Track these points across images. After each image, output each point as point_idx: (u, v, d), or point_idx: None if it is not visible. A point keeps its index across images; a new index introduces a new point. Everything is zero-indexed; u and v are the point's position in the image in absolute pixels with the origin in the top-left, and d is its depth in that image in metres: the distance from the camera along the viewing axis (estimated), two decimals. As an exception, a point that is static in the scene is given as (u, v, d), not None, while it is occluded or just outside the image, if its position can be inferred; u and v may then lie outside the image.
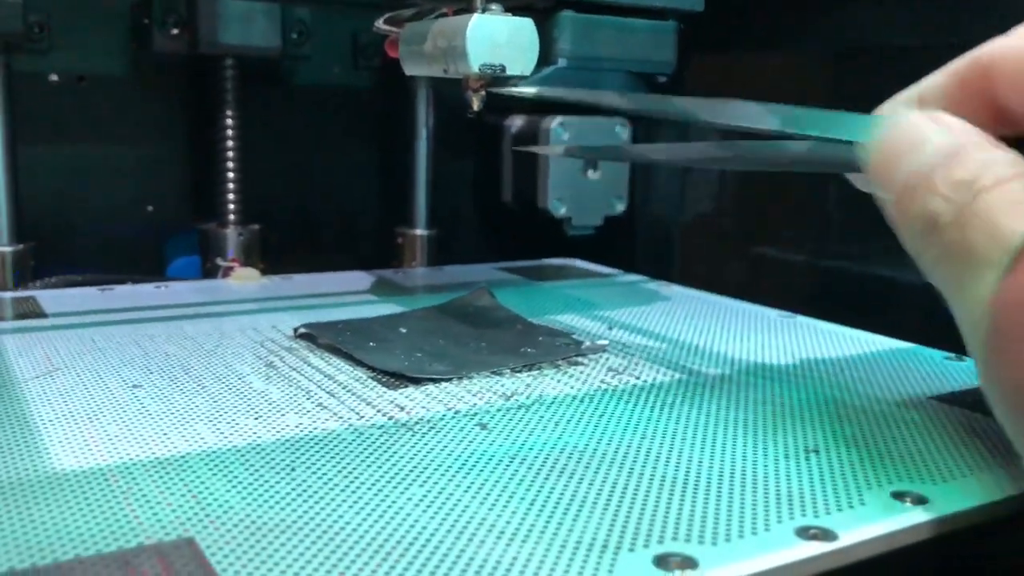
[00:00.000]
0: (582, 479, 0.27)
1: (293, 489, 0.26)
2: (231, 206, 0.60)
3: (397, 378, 0.36)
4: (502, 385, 0.35)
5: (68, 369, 0.36)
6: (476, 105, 0.39)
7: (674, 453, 0.29)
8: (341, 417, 0.31)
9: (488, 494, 0.26)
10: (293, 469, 0.27)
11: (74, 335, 0.41)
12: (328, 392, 0.34)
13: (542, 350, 0.40)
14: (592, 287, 0.56)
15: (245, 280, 0.54)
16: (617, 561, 0.22)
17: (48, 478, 0.26)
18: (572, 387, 0.35)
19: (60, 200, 0.59)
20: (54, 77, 0.57)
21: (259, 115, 0.62)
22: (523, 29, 0.38)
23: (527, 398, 0.34)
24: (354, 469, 0.27)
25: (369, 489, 0.26)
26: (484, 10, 0.38)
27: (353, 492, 0.25)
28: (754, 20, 0.58)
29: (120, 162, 0.61)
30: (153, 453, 0.28)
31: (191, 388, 0.34)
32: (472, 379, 0.36)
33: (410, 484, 0.26)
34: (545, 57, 0.39)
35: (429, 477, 0.27)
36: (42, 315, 0.45)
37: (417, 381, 0.35)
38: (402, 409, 0.32)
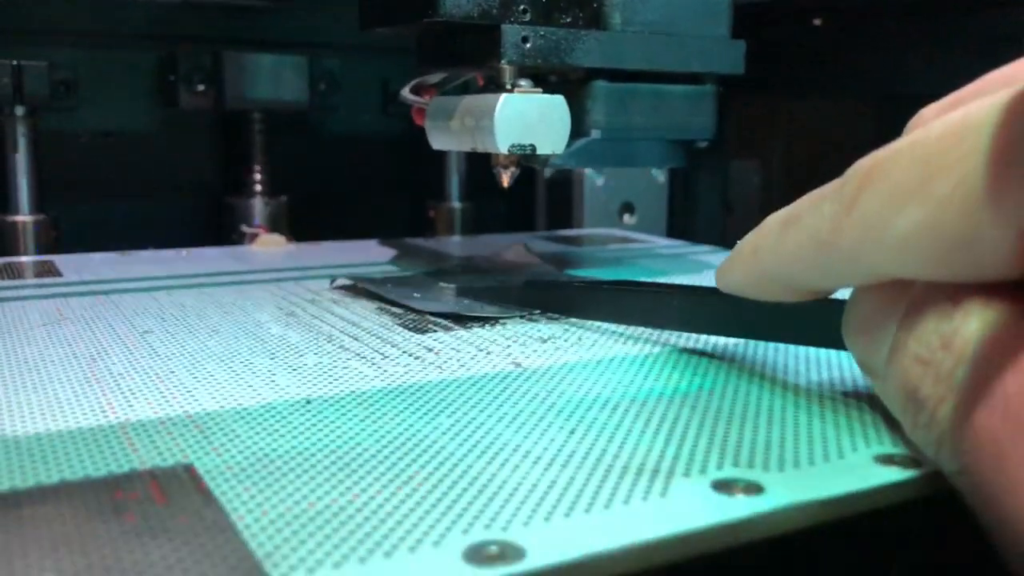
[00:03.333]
0: (627, 411, 0.24)
1: (308, 419, 0.23)
2: (257, 176, 0.58)
3: (449, 319, 0.34)
4: (539, 330, 0.33)
5: (77, 318, 0.34)
6: (506, 181, 0.37)
7: (730, 389, 0.26)
8: (364, 357, 0.29)
9: (523, 424, 0.23)
10: (309, 401, 0.24)
11: (87, 290, 0.39)
12: (351, 336, 0.32)
13: None
14: (638, 253, 0.53)
15: (270, 246, 0.52)
16: (671, 486, 0.19)
17: (40, 407, 0.23)
18: (615, 330, 0.33)
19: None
20: (83, 138, 0.56)
21: (287, 161, 0.61)
22: (554, 107, 0.36)
23: (565, 341, 0.31)
24: (376, 402, 0.25)
25: (391, 420, 0.23)
26: (513, 86, 0.36)
27: (374, 422, 0.23)
28: (796, 64, 0.56)
29: (147, 217, 0.59)
30: (157, 387, 0.25)
31: (204, 333, 0.32)
32: (506, 324, 0.33)
33: (437, 415, 0.23)
34: (578, 129, 0.38)
35: (458, 408, 0.24)
36: (57, 275, 0.43)
37: (459, 319, 0.33)
38: (430, 350, 0.30)
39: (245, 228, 0.55)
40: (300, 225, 0.60)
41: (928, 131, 0.18)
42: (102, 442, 0.21)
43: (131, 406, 0.24)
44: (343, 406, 0.24)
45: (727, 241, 0.52)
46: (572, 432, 0.22)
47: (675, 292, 0.31)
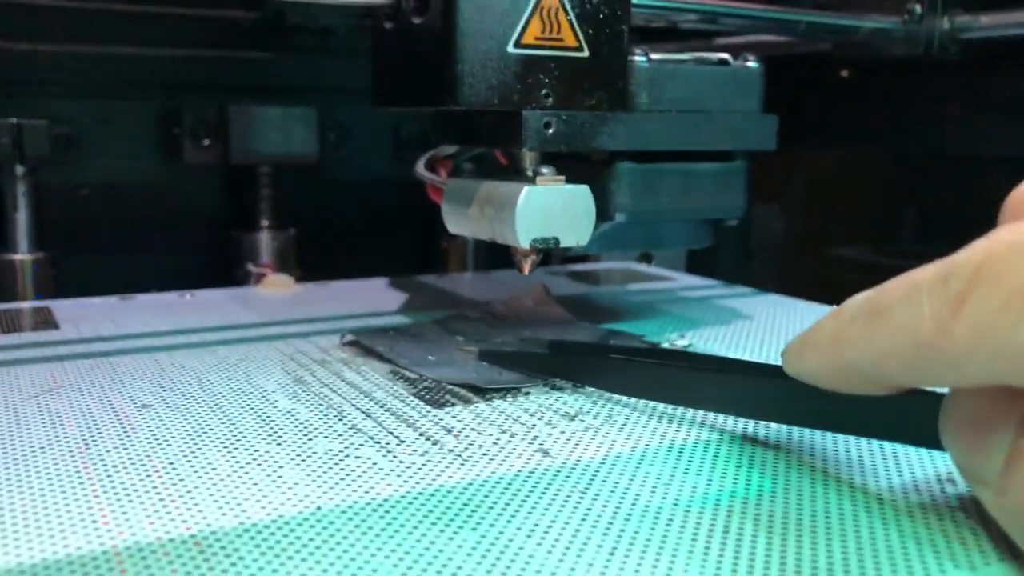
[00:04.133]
0: (671, 521, 0.22)
1: (318, 534, 0.21)
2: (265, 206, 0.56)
3: (467, 389, 0.31)
4: (564, 403, 0.30)
5: (72, 386, 0.32)
6: (527, 270, 0.35)
7: (786, 489, 0.24)
8: (378, 441, 0.27)
9: (557, 539, 0.21)
10: (319, 508, 0.22)
11: (85, 350, 0.37)
12: (364, 412, 0.29)
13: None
14: (663, 296, 0.51)
15: (277, 288, 0.50)
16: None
17: (24, 515, 0.21)
18: (647, 403, 0.30)
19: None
20: (84, 191, 0.54)
21: (295, 201, 0.59)
22: (578, 198, 0.34)
23: (594, 418, 0.29)
24: (392, 507, 0.22)
25: (410, 534, 0.21)
26: (535, 174, 0.34)
27: (391, 536, 0.21)
28: (822, 113, 0.55)
29: (152, 269, 0.57)
30: (154, 486, 0.23)
31: (207, 408, 0.30)
32: (529, 395, 0.31)
33: (460, 526, 0.21)
34: (602, 212, 0.36)
35: (483, 518, 0.22)
36: (54, 326, 0.41)
37: (482, 392, 0.31)
38: (449, 432, 0.28)
39: (252, 268, 0.53)
40: (309, 258, 0.58)
41: None
42: (91, 573, 0.19)
43: (125, 514, 0.22)
44: (357, 514, 0.22)
45: (749, 286, 0.51)
46: (613, 552, 0.20)
47: (733, 374, 0.28)
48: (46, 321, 0.42)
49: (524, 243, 0.33)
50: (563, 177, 0.34)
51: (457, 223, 0.37)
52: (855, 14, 0.47)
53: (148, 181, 0.56)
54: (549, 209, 0.33)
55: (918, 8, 0.45)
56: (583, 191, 0.34)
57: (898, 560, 0.20)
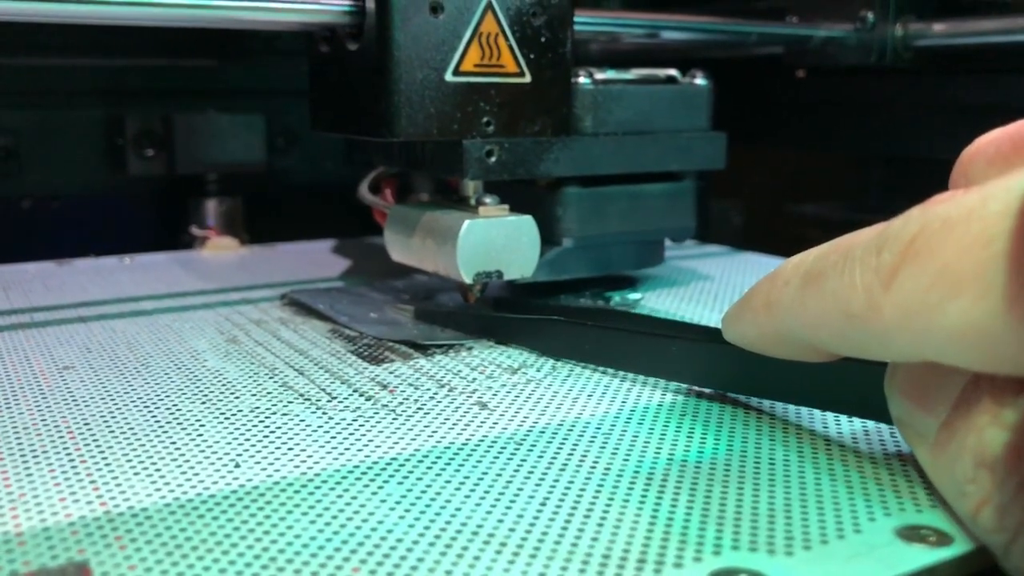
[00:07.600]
0: (607, 471, 0.21)
1: (234, 491, 0.20)
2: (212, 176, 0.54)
3: (408, 346, 0.30)
4: (508, 357, 0.29)
5: (-7, 350, 0.30)
6: (472, 300, 0.34)
7: (728, 437, 0.23)
8: (308, 399, 0.26)
9: (486, 492, 0.20)
10: (238, 465, 0.21)
11: (11, 320, 0.35)
12: (297, 369, 0.28)
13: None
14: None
15: (221, 250, 0.48)
16: (660, 582, 0.16)
17: (-80, 483, 0.20)
18: (592, 357, 0.29)
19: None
20: (25, 203, 0.52)
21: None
22: (522, 229, 0.33)
23: (538, 371, 0.28)
24: (317, 463, 0.21)
25: (333, 488, 0.20)
26: (478, 203, 0.32)
27: (311, 492, 0.20)
28: (778, 114, 0.54)
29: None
30: (64, 447, 0.22)
31: (132, 368, 0.28)
32: (472, 350, 0.30)
33: (386, 480, 0.20)
34: (548, 238, 0.34)
35: (411, 471, 0.21)
36: (-18, 292, 0.39)
37: (423, 348, 0.30)
38: (385, 387, 0.27)
39: (195, 230, 0.51)
40: (255, 221, 0.56)
41: (985, 200, 0.15)
42: (-16, 532, 0.18)
43: (29, 475, 0.20)
44: (278, 470, 0.21)
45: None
46: (544, 503, 0.19)
47: (674, 339, 0.26)
48: (-25, 287, 0.40)
49: (467, 278, 0.32)
50: (507, 207, 0.33)
51: (400, 252, 0.35)
52: (807, 23, 0.47)
53: (93, 194, 0.53)
54: (492, 242, 0.32)
55: (870, 16, 0.44)
56: (527, 222, 0.33)
57: (828, 506, 0.19)
